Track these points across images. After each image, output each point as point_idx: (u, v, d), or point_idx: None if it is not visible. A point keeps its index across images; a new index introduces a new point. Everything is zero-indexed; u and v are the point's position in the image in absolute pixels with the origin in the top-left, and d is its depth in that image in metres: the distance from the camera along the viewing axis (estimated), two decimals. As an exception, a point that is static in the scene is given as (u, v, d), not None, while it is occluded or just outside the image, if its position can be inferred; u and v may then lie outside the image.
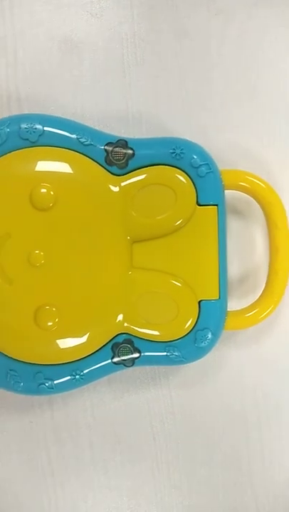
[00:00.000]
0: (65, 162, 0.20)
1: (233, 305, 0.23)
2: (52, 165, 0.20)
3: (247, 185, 0.21)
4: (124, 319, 0.21)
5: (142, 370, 0.24)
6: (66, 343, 0.21)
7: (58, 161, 0.20)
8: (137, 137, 0.21)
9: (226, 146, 0.23)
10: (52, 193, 0.20)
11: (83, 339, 0.21)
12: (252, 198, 0.22)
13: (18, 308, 0.20)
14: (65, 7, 0.23)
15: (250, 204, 0.23)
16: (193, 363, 0.22)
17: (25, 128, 0.20)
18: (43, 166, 0.20)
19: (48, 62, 0.24)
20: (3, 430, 0.24)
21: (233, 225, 0.23)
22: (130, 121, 0.23)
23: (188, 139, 0.21)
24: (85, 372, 0.21)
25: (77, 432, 0.24)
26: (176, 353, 0.21)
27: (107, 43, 0.24)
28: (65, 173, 0.20)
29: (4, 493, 0.25)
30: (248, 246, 0.24)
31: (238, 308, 0.22)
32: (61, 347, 0.21)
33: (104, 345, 0.21)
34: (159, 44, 0.24)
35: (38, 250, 0.20)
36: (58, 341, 0.21)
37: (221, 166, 0.22)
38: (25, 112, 0.24)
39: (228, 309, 0.22)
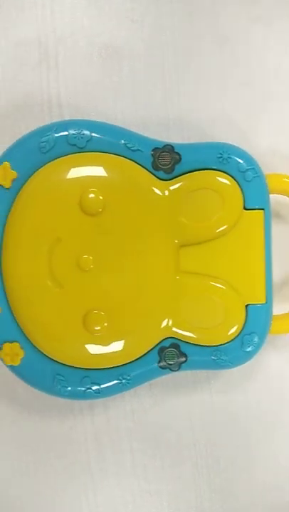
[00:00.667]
0: (114, 167, 0.21)
1: (275, 309, 0.23)
2: (100, 170, 0.20)
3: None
4: (171, 323, 0.21)
5: (183, 374, 0.24)
6: (114, 347, 0.21)
7: (107, 166, 0.20)
8: (183, 142, 0.21)
9: (266, 150, 0.23)
10: (101, 197, 0.20)
11: (131, 343, 0.21)
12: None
13: (68, 312, 0.21)
14: (106, 13, 0.24)
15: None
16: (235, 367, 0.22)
17: (73, 134, 0.21)
18: (91, 171, 0.20)
19: (89, 68, 0.24)
20: (43, 435, 0.24)
21: (274, 228, 0.23)
22: (171, 127, 0.23)
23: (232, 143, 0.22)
24: (131, 376, 0.21)
25: (117, 437, 0.24)
26: (224, 358, 0.21)
27: (148, 49, 0.24)
28: (113, 178, 0.21)
29: (43, 499, 0.25)
30: (287, 249, 0.24)
31: (281, 313, 0.23)
32: (109, 351, 0.21)
33: (150, 350, 0.21)
34: (199, 50, 0.24)
35: (88, 255, 0.20)
36: (106, 345, 0.21)
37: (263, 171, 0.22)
38: (66, 117, 0.24)
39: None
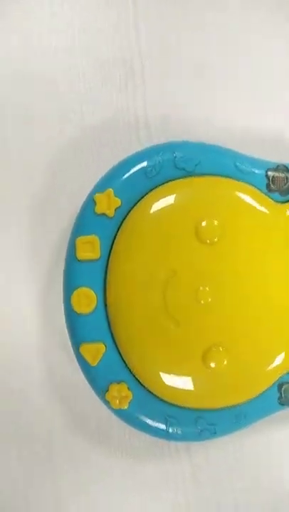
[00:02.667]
0: (228, 191, 0.19)
1: None
2: (214, 195, 0.19)
3: None
4: (293, 356, 0.20)
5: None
6: (233, 385, 0.19)
7: (220, 190, 0.19)
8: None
9: None
10: (216, 224, 0.19)
11: (251, 380, 0.19)
12: None
13: (184, 349, 0.19)
14: (200, 30, 0.23)
15: None
16: None
17: (182, 157, 0.19)
18: (204, 196, 0.19)
19: (177, 87, 0.23)
20: (140, 478, 0.23)
21: None
22: (278, 146, 0.22)
23: None
24: (249, 414, 0.20)
25: (218, 476, 0.23)
26: None
27: (236, 68, 0.23)
28: (228, 203, 0.19)
29: None
30: None
31: None
32: (228, 390, 0.19)
33: (271, 386, 0.19)
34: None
35: (205, 287, 0.19)
36: (225, 384, 0.19)
37: None
38: (155, 140, 0.23)
39: None
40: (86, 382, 0.20)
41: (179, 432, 0.19)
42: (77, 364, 0.20)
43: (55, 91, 0.22)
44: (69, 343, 0.21)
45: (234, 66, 0.23)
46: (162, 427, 0.19)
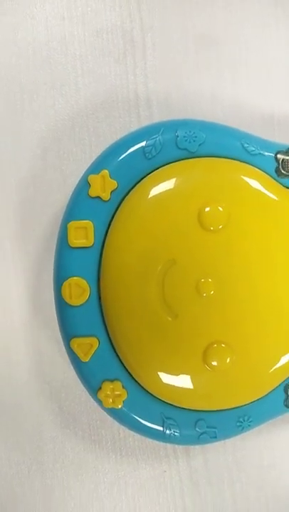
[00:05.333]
0: (234, 174, 0.18)
1: None
2: (219, 178, 0.18)
3: None
4: (301, 357, 0.18)
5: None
6: (237, 386, 0.18)
7: (226, 173, 0.18)
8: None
9: None
10: (222, 210, 0.18)
11: (256, 381, 0.18)
12: None
13: (184, 345, 0.18)
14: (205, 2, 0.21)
15: None
16: None
17: (184, 136, 0.18)
18: (209, 179, 0.18)
19: (181, 61, 0.21)
20: (135, 480, 0.21)
21: None
22: (276, 126, 0.20)
23: None
24: (252, 417, 0.18)
25: (217, 479, 0.22)
26: None
27: (248, 42, 0.21)
28: (234, 187, 0.18)
29: None
30: None
31: None
32: (231, 391, 0.18)
33: (276, 387, 0.18)
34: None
35: (207, 278, 0.17)
36: (228, 384, 0.18)
37: None
38: (156, 117, 0.21)
39: None
40: (77, 378, 0.19)
41: (177, 434, 0.18)
42: (68, 359, 0.19)
43: (46, 61, 0.21)
44: (60, 337, 0.20)
45: (242, 41, 0.21)
46: (159, 428, 0.18)
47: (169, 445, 0.22)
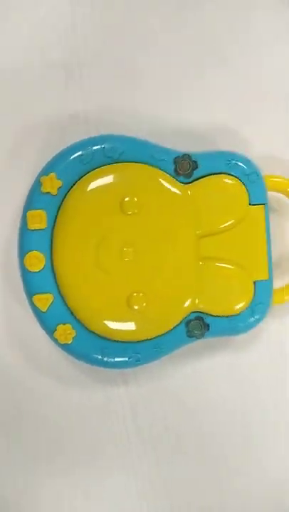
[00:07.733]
0: (145, 175, 0.25)
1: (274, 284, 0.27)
2: (134, 177, 0.25)
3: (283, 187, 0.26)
4: (196, 300, 0.25)
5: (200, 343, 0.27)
6: (151, 322, 0.25)
7: (138, 174, 0.25)
8: (198, 151, 0.25)
9: (261, 155, 0.27)
10: (136, 200, 0.25)
11: (164, 319, 0.25)
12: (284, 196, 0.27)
13: (113, 295, 0.25)
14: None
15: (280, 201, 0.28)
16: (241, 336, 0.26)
17: (109, 147, 0.25)
18: (127, 178, 0.25)
19: (110, 87, 0.27)
20: (81, 406, 0.27)
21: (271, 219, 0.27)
22: (184, 137, 0.27)
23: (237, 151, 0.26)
24: (165, 345, 0.25)
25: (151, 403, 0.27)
26: (240, 324, 0.25)
27: (162, 68, 0.27)
28: (144, 183, 0.25)
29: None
30: (279, 235, 0.28)
31: (278, 287, 0.27)
32: (147, 326, 0.25)
33: (180, 323, 0.25)
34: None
35: (128, 247, 0.25)
36: (145, 321, 0.25)
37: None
38: (93, 131, 0.27)
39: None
40: (38, 325, 0.25)
41: (112, 360, 0.25)
42: (31, 312, 0.26)
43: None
44: (24, 296, 0.26)
45: (152, 68, 0.27)
46: (99, 357, 0.25)
47: (109, 376, 0.28)
